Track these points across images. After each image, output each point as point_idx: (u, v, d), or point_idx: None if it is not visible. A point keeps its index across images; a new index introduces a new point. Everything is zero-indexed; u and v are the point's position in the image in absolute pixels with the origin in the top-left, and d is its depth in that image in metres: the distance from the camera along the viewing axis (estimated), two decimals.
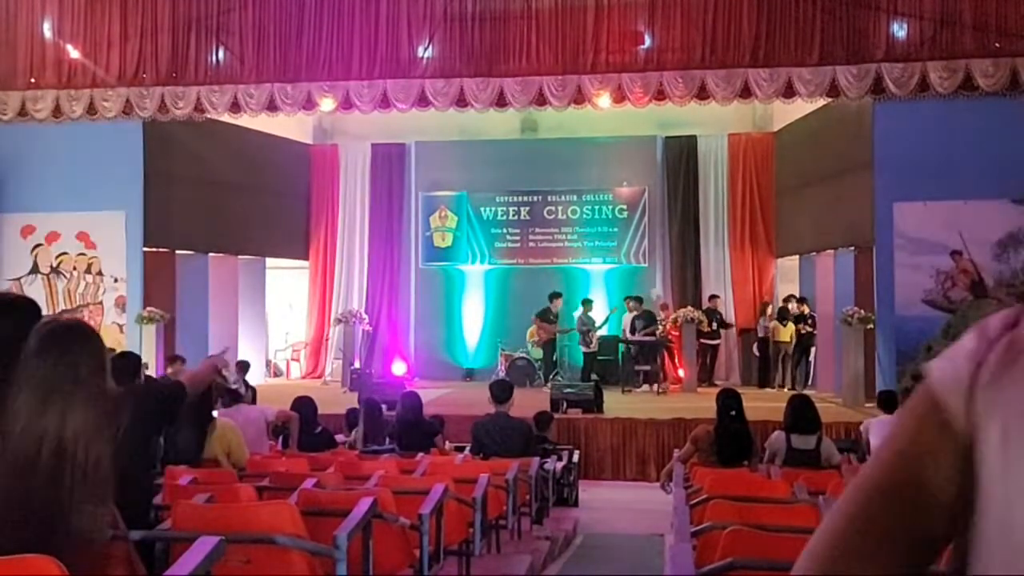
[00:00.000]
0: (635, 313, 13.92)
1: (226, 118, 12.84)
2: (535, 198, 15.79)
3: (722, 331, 14.55)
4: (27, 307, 2.49)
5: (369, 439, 7.25)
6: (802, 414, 6.07)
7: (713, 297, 14.74)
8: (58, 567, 2.16)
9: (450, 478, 4.62)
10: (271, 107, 12.21)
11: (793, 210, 14.27)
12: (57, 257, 12.70)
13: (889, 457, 0.88)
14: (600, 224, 15.67)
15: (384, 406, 8.05)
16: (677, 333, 13.92)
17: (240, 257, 14.78)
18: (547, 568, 5.85)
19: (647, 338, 13.67)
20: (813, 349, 13.79)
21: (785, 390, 12.77)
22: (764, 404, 9.52)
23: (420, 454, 6.63)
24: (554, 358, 14.42)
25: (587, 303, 14.52)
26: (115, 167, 12.50)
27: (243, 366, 10.58)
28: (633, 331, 13.77)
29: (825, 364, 13.21)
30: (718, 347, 14.64)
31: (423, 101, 11.98)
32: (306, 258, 16.34)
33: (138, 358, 5.92)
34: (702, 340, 14.11)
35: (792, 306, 13.88)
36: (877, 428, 7.63)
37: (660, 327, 13.85)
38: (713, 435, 6.46)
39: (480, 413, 7.62)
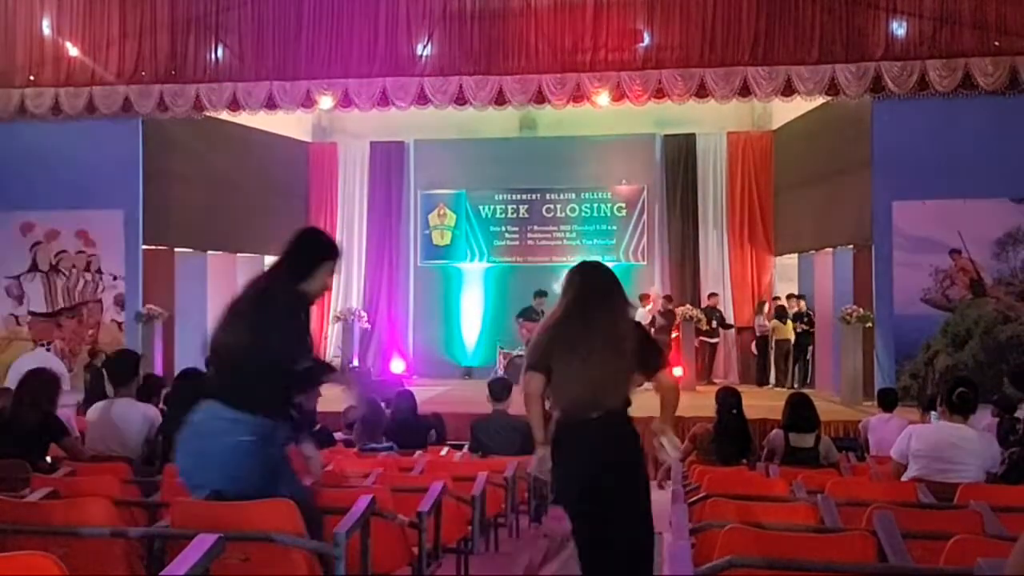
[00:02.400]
0: (660, 310, 13.99)
1: (225, 116, 12.85)
2: (534, 196, 15.78)
3: (721, 330, 14.56)
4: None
5: (368, 437, 7.24)
6: (801, 413, 6.07)
7: (712, 295, 14.75)
8: (58, 566, 2.16)
9: (449, 476, 4.63)
10: (270, 105, 12.21)
11: (792, 208, 14.27)
12: (56, 255, 12.70)
13: None
14: (599, 222, 15.67)
15: (383, 404, 8.05)
16: (676, 332, 13.95)
17: (239, 255, 14.75)
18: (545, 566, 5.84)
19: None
20: (811, 347, 13.79)
21: (785, 388, 12.77)
22: (763, 403, 9.53)
23: (418, 452, 6.63)
24: None
25: None
26: (114, 165, 12.50)
27: None
28: (652, 326, 13.86)
29: (824, 363, 13.20)
30: (717, 345, 14.65)
31: (422, 99, 11.99)
32: None
33: (136, 356, 5.94)
34: (701, 338, 14.12)
35: (792, 303, 13.89)
36: (876, 426, 7.64)
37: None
38: (712, 433, 6.47)
39: (479, 411, 7.61)
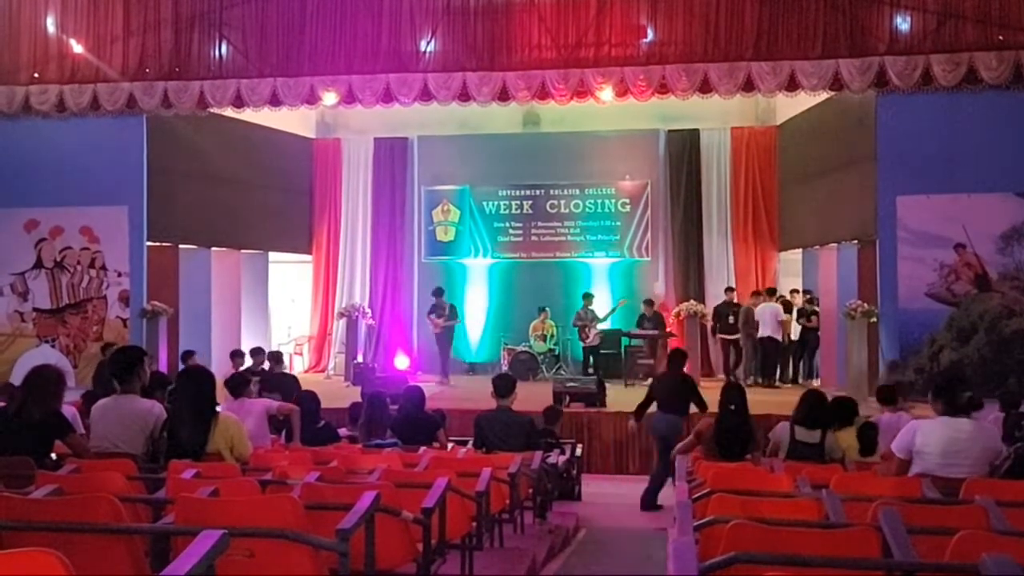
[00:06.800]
0: (645, 313, 13.99)
1: (229, 112, 12.85)
2: (537, 192, 15.78)
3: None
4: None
5: (372, 433, 7.25)
6: (814, 411, 6.05)
7: (729, 290, 14.48)
8: (63, 563, 2.16)
9: (453, 472, 4.62)
10: (274, 101, 12.21)
11: (796, 204, 14.25)
12: (61, 252, 12.71)
13: None
14: (603, 218, 15.67)
15: (388, 400, 8.05)
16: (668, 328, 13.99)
17: (243, 251, 14.78)
18: (550, 563, 5.85)
19: (650, 332, 13.68)
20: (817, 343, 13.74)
21: (789, 384, 12.76)
22: (771, 398, 9.51)
23: (422, 448, 6.63)
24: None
25: (587, 297, 14.50)
26: (118, 162, 12.52)
27: (276, 356, 10.54)
28: (639, 325, 13.88)
29: (828, 358, 13.19)
30: (739, 341, 14.05)
31: (425, 95, 11.98)
32: (309, 252, 16.34)
33: (140, 351, 5.94)
34: (722, 336, 13.99)
35: (798, 299, 13.87)
36: (884, 424, 7.60)
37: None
38: (715, 428, 6.46)
39: (482, 408, 7.61)
